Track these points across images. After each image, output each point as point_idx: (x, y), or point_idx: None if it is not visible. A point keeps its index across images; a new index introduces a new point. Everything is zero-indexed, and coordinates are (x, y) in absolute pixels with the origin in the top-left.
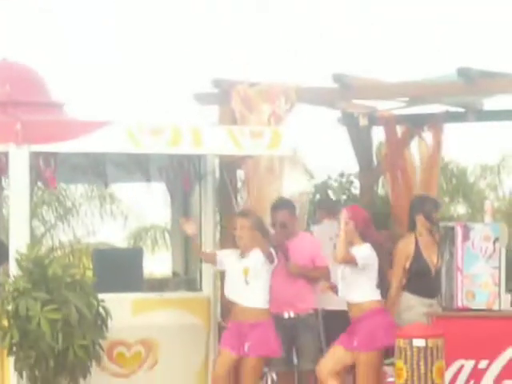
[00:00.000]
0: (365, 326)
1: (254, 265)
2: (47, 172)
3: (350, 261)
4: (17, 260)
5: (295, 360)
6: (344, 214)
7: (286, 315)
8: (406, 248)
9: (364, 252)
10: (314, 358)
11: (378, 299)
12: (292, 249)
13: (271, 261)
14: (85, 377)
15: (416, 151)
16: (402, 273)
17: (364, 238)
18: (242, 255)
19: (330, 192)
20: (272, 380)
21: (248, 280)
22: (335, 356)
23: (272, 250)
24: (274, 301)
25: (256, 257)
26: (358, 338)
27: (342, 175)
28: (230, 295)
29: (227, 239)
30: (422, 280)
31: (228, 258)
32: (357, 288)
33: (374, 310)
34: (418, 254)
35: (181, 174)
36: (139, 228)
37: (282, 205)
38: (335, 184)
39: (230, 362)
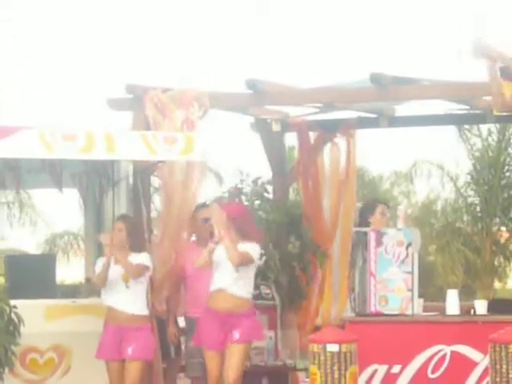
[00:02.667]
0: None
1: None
2: None
3: (249, 261)
4: None
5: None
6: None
7: None
8: None
9: (255, 249)
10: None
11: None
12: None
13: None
14: None
15: (328, 157)
16: None
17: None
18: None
19: (242, 197)
20: None
21: (128, 285)
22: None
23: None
24: (196, 304)
25: (134, 259)
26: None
27: (255, 181)
28: (109, 301)
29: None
30: None
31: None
32: (246, 284)
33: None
34: None
35: (94, 180)
36: (53, 234)
37: (204, 204)
38: (247, 189)
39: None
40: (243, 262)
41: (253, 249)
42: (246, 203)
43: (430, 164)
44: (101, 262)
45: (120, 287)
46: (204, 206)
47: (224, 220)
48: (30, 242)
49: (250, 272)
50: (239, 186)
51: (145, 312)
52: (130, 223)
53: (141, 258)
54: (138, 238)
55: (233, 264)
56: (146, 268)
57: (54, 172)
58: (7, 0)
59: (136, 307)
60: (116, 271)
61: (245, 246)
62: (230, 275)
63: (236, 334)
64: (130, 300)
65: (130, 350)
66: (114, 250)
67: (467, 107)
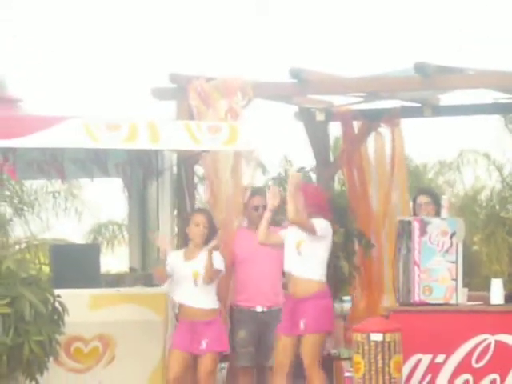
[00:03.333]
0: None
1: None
2: (6, 166)
3: (307, 225)
4: None
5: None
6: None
7: (259, 309)
8: None
9: (322, 223)
10: None
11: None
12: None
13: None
14: (42, 372)
15: (372, 147)
16: None
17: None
18: (189, 257)
19: (286, 186)
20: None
21: (197, 283)
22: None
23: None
24: (246, 293)
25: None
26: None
27: (299, 170)
28: (179, 298)
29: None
30: None
31: (174, 262)
32: (314, 265)
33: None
34: None
35: (138, 170)
36: (98, 224)
37: (259, 191)
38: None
39: (184, 362)
40: (301, 221)
41: (319, 222)
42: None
43: (475, 153)
44: (170, 257)
45: (189, 284)
46: (257, 192)
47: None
48: (75, 232)
49: (319, 252)
50: (282, 175)
51: (215, 305)
52: (209, 217)
53: (216, 262)
54: (213, 233)
55: (288, 219)
56: (220, 272)
57: (98, 161)
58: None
59: (206, 302)
60: (187, 268)
61: (315, 220)
62: (293, 257)
63: (301, 324)
64: (199, 295)
65: (204, 344)
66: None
67: None
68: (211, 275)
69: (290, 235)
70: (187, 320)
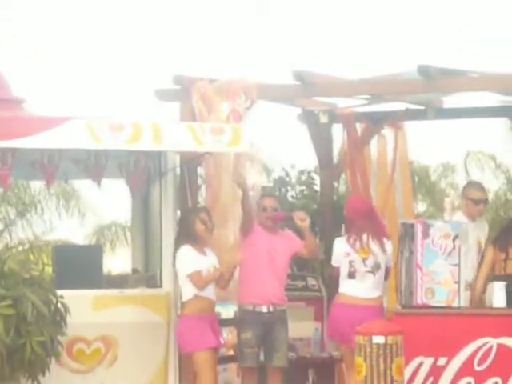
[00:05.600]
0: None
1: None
2: (3, 170)
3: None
4: None
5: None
6: None
7: (264, 309)
8: None
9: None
10: (286, 355)
11: None
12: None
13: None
14: (44, 373)
15: (375, 149)
16: None
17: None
18: (203, 252)
19: (288, 188)
20: None
21: None
22: None
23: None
24: (252, 293)
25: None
26: None
27: (301, 172)
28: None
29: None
30: None
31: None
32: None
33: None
34: None
35: (141, 171)
36: (101, 225)
37: (271, 193)
38: (293, 179)
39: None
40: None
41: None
42: (291, 193)
43: (481, 155)
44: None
45: None
46: (266, 194)
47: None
48: (78, 233)
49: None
50: (285, 177)
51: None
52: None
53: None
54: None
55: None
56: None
57: (97, 164)
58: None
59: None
60: (208, 263)
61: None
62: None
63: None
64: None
65: (222, 339)
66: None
67: None
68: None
69: (196, 258)
70: (206, 315)
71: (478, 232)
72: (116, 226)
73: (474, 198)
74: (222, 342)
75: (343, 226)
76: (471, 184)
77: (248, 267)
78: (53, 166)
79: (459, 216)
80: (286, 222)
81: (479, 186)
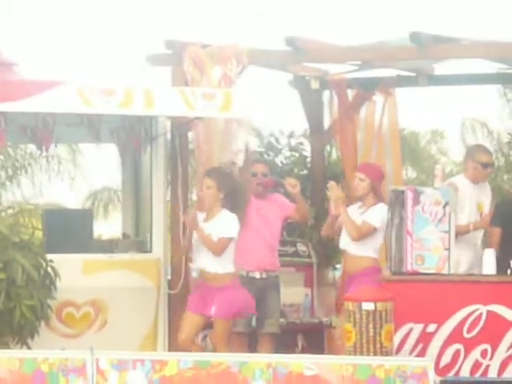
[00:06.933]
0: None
1: (218, 229)
2: None
3: (369, 232)
4: None
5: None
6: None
7: (257, 275)
8: None
9: (381, 212)
10: (277, 321)
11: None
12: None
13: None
14: (32, 337)
15: (366, 115)
16: None
17: (377, 196)
18: (205, 219)
19: (277, 153)
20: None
21: None
22: None
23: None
24: (244, 259)
25: (221, 220)
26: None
27: (290, 135)
28: (196, 262)
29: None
30: None
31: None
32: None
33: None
34: None
35: (132, 136)
36: (92, 189)
37: (261, 159)
38: (283, 144)
39: (196, 324)
40: (362, 235)
41: (378, 211)
42: (280, 159)
43: (474, 122)
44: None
45: (204, 248)
46: (256, 160)
47: (342, 196)
48: (68, 197)
49: (376, 233)
50: (274, 142)
51: (230, 269)
52: (220, 178)
53: (227, 222)
54: (230, 195)
55: (352, 239)
56: (230, 240)
57: (92, 127)
58: None
59: (220, 266)
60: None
61: (373, 209)
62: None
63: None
64: (214, 259)
65: (213, 310)
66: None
67: (507, 66)
68: (214, 249)
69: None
70: (202, 283)
71: (480, 195)
72: (108, 190)
73: (483, 161)
74: (212, 313)
75: None
76: (480, 147)
77: (239, 235)
78: (48, 130)
79: (460, 178)
80: (276, 188)
81: (487, 150)
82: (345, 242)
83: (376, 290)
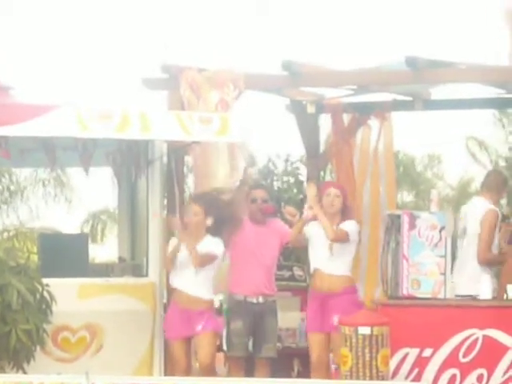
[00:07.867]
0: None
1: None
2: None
3: (343, 237)
4: None
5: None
6: (332, 190)
7: (255, 300)
8: None
9: (351, 226)
10: (275, 346)
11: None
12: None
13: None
14: (28, 361)
15: (361, 139)
16: None
17: (345, 214)
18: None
19: (274, 178)
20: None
21: (198, 269)
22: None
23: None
24: (242, 283)
25: (204, 244)
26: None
27: (286, 160)
28: (176, 284)
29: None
30: None
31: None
32: (344, 262)
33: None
34: None
35: (128, 159)
36: (88, 213)
37: (261, 185)
38: (279, 169)
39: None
40: (338, 237)
41: (351, 226)
42: (276, 183)
43: (467, 145)
44: (172, 243)
45: (189, 270)
46: (256, 186)
47: (318, 198)
48: (65, 221)
49: (349, 249)
50: (271, 167)
51: (210, 296)
52: (207, 205)
53: (211, 245)
54: (216, 220)
55: (329, 239)
56: (214, 257)
57: (85, 151)
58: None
59: (202, 291)
60: (187, 255)
61: (345, 224)
62: (325, 255)
63: (335, 320)
64: (197, 284)
65: (199, 327)
66: (185, 236)
67: (503, 91)
68: (199, 262)
69: (319, 234)
70: (180, 307)
71: None
72: (104, 214)
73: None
74: (199, 330)
75: None
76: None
77: (237, 260)
78: (48, 153)
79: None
80: (275, 214)
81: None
82: (319, 261)
83: (372, 314)
